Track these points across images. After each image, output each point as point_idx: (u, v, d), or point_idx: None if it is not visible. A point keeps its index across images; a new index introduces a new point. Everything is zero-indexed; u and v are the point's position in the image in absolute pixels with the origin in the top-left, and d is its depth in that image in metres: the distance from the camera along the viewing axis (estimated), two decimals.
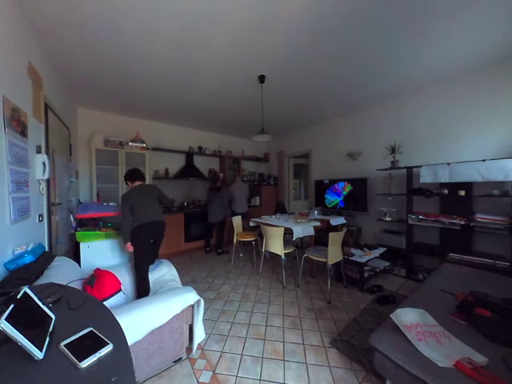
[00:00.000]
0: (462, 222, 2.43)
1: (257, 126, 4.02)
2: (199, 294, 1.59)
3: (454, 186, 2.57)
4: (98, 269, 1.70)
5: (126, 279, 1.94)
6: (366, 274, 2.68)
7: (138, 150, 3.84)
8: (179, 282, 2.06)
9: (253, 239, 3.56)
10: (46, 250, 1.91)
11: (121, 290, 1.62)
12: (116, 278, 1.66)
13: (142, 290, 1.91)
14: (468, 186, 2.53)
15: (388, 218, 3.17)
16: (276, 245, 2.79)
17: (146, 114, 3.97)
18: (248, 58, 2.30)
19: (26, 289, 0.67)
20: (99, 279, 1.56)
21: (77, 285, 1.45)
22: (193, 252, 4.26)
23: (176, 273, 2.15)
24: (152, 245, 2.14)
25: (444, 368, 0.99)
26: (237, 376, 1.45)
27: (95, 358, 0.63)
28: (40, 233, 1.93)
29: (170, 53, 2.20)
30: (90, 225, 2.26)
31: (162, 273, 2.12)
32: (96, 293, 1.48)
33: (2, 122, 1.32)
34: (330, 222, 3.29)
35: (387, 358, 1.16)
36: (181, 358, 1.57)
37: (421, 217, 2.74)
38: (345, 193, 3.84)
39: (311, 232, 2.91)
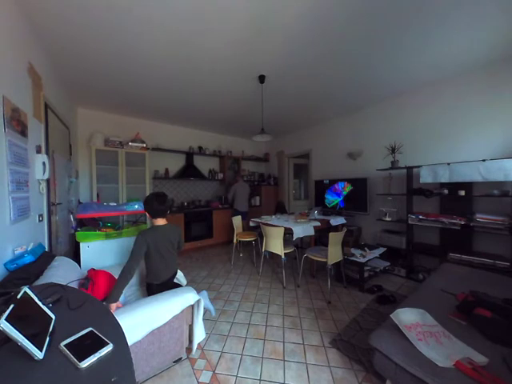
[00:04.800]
0: (462, 222, 2.43)
1: (257, 126, 4.02)
2: (199, 294, 1.59)
3: (454, 186, 2.56)
4: (92, 269, 1.64)
5: None
6: (366, 274, 2.68)
7: (138, 149, 3.84)
8: (184, 282, 2.05)
9: (253, 239, 3.55)
10: (46, 250, 1.91)
11: None
12: (112, 276, 1.62)
13: None
14: (468, 186, 2.53)
15: (388, 218, 3.17)
16: (276, 245, 2.79)
17: (146, 114, 3.97)
18: (248, 58, 2.29)
19: (25, 289, 0.67)
20: (94, 280, 1.51)
21: (76, 285, 1.44)
22: (193, 252, 4.26)
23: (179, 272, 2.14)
24: None
25: (444, 368, 0.99)
26: (237, 376, 1.45)
27: (95, 358, 0.63)
28: (40, 233, 1.93)
29: (170, 53, 2.19)
30: (90, 225, 2.25)
31: None
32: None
33: (2, 121, 1.32)
34: (330, 221, 3.29)
35: (387, 357, 1.16)
36: (181, 358, 1.57)
37: (421, 217, 2.74)
38: (345, 193, 3.84)
39: (311, 232, 2.91)
